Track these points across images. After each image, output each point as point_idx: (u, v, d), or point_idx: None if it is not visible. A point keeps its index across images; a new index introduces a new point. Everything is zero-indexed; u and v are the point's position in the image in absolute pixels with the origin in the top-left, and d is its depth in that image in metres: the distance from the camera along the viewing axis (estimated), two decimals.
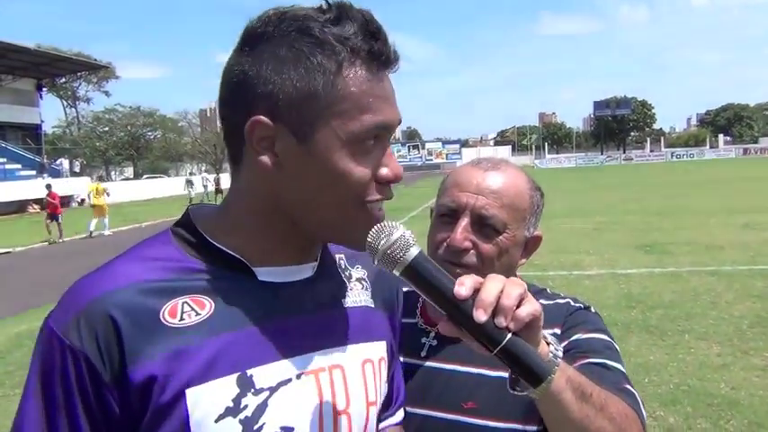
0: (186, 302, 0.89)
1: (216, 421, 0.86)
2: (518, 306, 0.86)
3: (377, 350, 1.07)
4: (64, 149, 57.22)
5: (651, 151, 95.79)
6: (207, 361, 0.87)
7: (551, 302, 1.37)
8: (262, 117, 0.88)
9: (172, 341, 0.86)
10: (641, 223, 15.96)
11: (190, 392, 0.85)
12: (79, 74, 53.35)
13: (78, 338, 0.84)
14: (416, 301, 1.42)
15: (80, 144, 63.22)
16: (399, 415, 1.18)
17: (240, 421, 0.87)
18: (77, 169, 44.62)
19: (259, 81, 0.88)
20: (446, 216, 1.33)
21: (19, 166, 40.40)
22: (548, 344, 0.94)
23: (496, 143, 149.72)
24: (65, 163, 41.43)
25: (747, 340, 6.33)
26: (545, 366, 0.87)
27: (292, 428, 0.91)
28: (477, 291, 0.85)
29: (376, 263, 0.88)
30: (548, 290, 1.44)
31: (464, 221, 1.28)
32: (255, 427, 0.88)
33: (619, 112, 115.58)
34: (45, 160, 44.03)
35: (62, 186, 36.03)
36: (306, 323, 0.97)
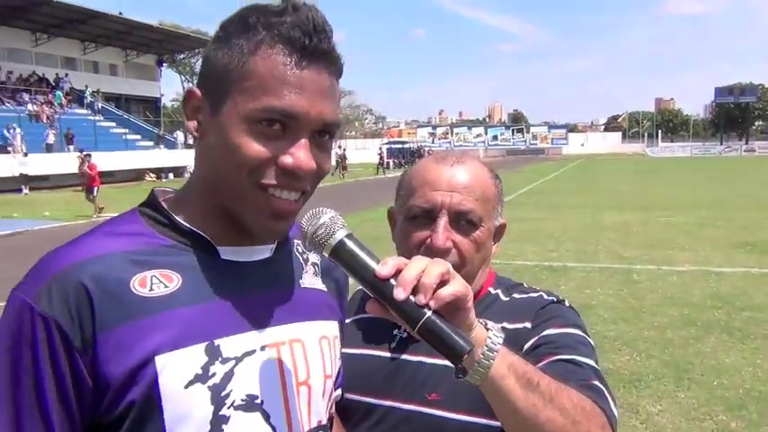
0: (155, 276, 0.93)
1: (185, 387, 0.89)
2: (442, 285, 0.87)
3: (331, 328, 1.12)
4: (180, 122, 60.44)
5: None
6: (176, 329, 0.90)
7: (524, 296, 1.35)
8: (195, 88, 0.99)
9: (142, 310, 0.89)
10: (748, 220, 15.02)
11: (159, 359, 0.88)
12: (197, 50, 55.96)
13: (49, 305, 0.86)
14: None
15: None
16: (339, 392, 1.24)
17: (209, 388, 0.91)
18: (191, 141, 47.11)
19: (205, 59, 0.99)
20: (419, 217, 1.29)
21: (139, 136, 43.03)
22: (487, 329, 0.94)
23: (606, 129, 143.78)
24: (180, 135, 43.85)
25: None
26: (465, 343, 0.87)
27: (257, 396, 0.96)
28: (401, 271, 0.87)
29: (306, 247, 0.95)
30: (524, 284, 1.42)
31: (443, 221, 1.26)
32: (223, 394, 0.92)
33: (743, 99, 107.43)
34: (162, 132, 46.65)
35: (176, 157, 38.23)
36: (266, 300, 1.01)
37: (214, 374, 0.92)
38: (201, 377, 0.91)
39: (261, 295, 1.01)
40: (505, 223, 1.41)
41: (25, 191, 27.06)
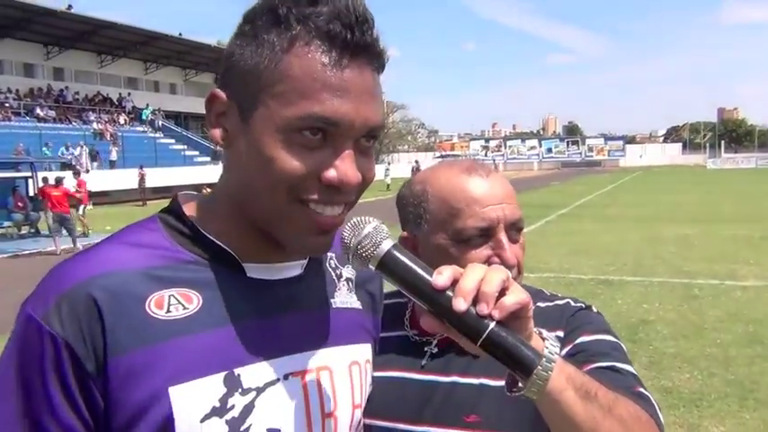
0: (173, 295, 0.85)
1: (201, 421, 0.82)
2: (503, 294, 0.81)
3: (363, 352, 1.03)
4: None
5: None
6: (193, 357, 0.83)
7: (550, 304, 1.29)
8: (218, 91, 0.86)
9: (157, 334, 0.82)
10: None
11: (173, 390, 0.81)
12: None
13: (60, 324, 0.79)
14: (404, 313, 1.33)
15: None
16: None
17: (227, 422, 0.83)
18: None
19: (228, 57, 0.86)
20: (473, 237, 1.20)
21: (197, 152, 44.24)
22: (543, 339, 0.87)
23: (665, 140, 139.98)
24: None
25: None
26: (534, 355, 0.81)
27: (278, 430, 0.88)
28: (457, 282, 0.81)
29: (350, 261, 0.85)
30: (545, 291, 1.36)
31: (504, 237, 1.20)
32: (242, 428, 0.85)
33: None
34: (217, 148, 47.83)
35: None
36: (294, 322, 0.93)
37: (233, 407, 0.84)
38: (219, 410, 0.83)
39: (288, 317, 0.93)
40: None
41: (89, 206, 28.14)
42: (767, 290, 8.87)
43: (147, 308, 0.83)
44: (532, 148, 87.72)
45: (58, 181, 16.40)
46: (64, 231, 15.41)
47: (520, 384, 0.84)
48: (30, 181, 19.27)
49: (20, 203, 17.97)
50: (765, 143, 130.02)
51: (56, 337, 0.79)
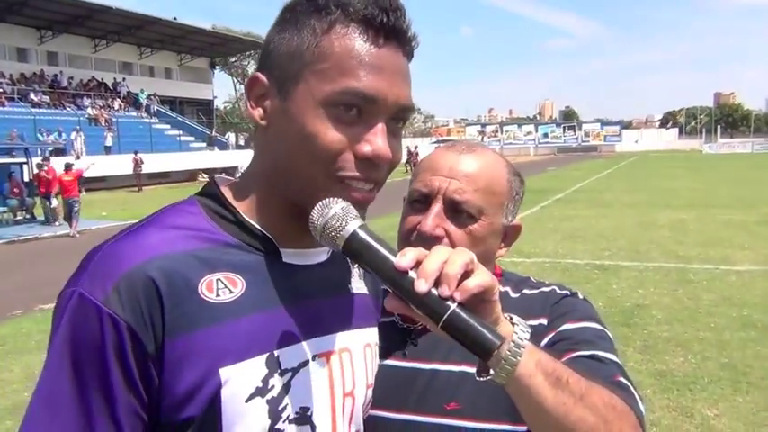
0: (220, 279, 0.88)
1: (246, 401, 0.86)
2: (466, 276, 0.81)
3: (374, 335, 1.10)
4: (232, 124, 61.68)
5: None
6: (241, 340, 0.86)
7: (536, 291, 1.28)
8: (259, 74, 0.92)
9: (209, 317, 0.85)
10: None
11: (223, 371, 0.84)
12: (248, 53, 56.90)
13: (120, 306, 0.80)
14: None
15: (246, 119, 67.68)
16: None
17: (267, 401, 0.87)
18: (242, 143, 47.92)
19: (268, 43, 0.93)
20: (417, 202, 1.23)
21: (192, 138, 43.93)
22: (513, 324, 0.88)
23: (662, 125, 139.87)
24: (231, 137, 44.72)
25: None
26: (495, 338, 0.80)
27: (308, 408, 0.93)
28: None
29: (318, 239, 0.86)
30: (532, 278, 1.34)
31: (436, 207, 1.19)
32: (279, 408, 0.89)
33: None
34: (214, 133, 47.62)
35: (227, 158, 39.05)
36: (321, 306, 0.98)
37: (273, 387, 0.89)
38: (261, 390, 0.87)
39: (317, 302, 0.98)
40: (520, 225, 1.31)
41: (83, 192, 28.06)
42: (761, 274, 8.92)
43: (199, 291, 0.86)
44: (529, 133, 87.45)
45: (68, 166, 16.56)
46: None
47: (491, 371, 0.86)
48: (24, 167, 19.17)
49: (16, 189, 17.89)
50: (761, 128, 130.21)
51: (117, 319, 0.80)
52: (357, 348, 1.03)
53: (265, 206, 0.96)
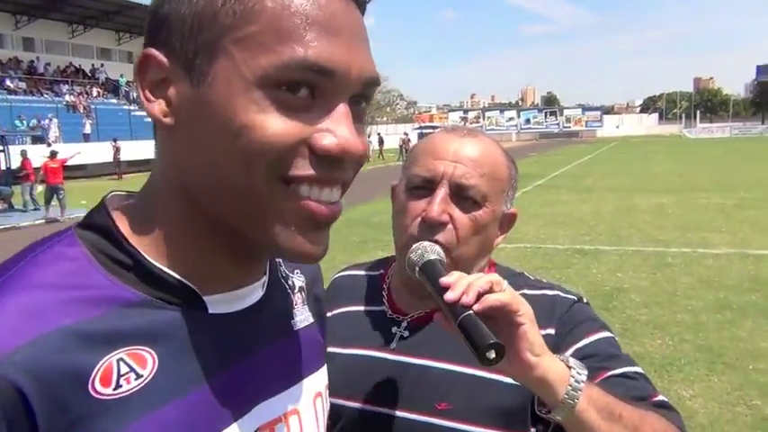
0: (122, 359, 0.62)
1: None
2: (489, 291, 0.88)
3: (324, 377, 0.91)
4: None
5: None
6: None
7: (537, 293, 1.21)
8: (153, 50, 0.64)
9: (113, 421, 0.60)
10: None
11: None
12: None
13: None
14: (381, 288, 1.30)
15: None
16: None
17: None
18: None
19: (160, 4, 0.65)
20: (419, 188, 1.17)
21: None
22: (569, 367, 0.93)
23: (642, 110, 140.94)
24: None
25: None
26: (487, 338, 0.82)
27: None
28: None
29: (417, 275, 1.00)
30: (527, 274, 1.30)
31: (442, 192, 1.14)
32: None
33: None
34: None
35: None
36: (260, 362, 0.77)
37: None
38: None
39: (255, 357, 0.76)
40: (516, 213, 1.28)
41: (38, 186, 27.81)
42: (738, 257, 9.05)
43: (90, 389, 0.60)
44: (511, 119, 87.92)
45: (53, 154, 17.00)
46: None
47: (551, 411, 0.93)
48: (1, 155, 18.87)
49: None
50: (739, 112, 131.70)
51: None
52: (307, 405, 0.84)
53: (179, 239, 0.69)
